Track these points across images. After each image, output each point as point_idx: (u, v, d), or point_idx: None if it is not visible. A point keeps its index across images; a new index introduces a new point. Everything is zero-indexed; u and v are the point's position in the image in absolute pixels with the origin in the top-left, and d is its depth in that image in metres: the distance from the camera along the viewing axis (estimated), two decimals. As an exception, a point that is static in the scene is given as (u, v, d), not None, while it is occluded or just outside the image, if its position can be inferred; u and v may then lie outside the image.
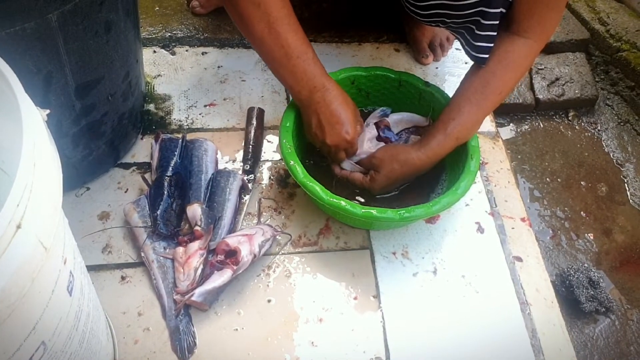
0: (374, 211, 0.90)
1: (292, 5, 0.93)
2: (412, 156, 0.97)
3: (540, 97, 1.48)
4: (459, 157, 1.02)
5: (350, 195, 1.02)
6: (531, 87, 1.49)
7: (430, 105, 1.08)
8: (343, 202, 0.90)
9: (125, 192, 1.04)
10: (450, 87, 1.09)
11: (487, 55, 0.95)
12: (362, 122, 1.03)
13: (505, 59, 0.95)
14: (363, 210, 0.90)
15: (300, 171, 0.93)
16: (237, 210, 1.03)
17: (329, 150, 0.99)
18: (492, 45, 0.94)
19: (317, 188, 0.91)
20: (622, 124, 1.52)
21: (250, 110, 1.16)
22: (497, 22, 0.92)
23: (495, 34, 0.93)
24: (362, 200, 1.04)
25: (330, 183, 1.00)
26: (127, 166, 1.08)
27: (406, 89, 1.11)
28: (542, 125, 1.50)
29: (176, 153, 1.04)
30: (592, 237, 1.29)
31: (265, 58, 0.97)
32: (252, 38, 0.94)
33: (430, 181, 1.05)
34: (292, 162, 0.94)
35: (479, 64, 0.96)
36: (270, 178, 1.09)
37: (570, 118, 1.52)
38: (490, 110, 1.02)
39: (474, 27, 0.95)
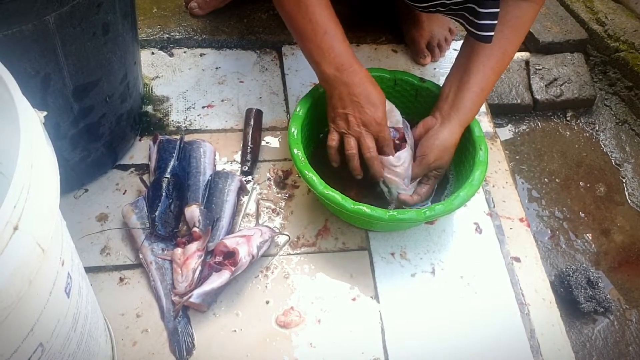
0: (397, 214, 0.90)
1: None
2: (455, 134, 0.99)
3: (539, 97, 1.48)
4: (465, 150, 1.02)
5: (358, 195, 1.03)
6: (529, 88, 1.49)
7: (427, 101, 1.08)
8: (366, 209, 0.90)
9: (124, 193, 1.04)
10: (448, 88, 1.09)
11: (492, 33, 0.95)
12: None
13: (516, 24, 1.00)
14: (389, 214, 0.90)
15: (318, 182, 0.92)
16: (236, 212, 1.03)
17: (358, 135, 0.95)
18: (496, 22, 0.95)
19: (338, 197, 0.91)
20: (620, 124, 1.52)
21: (249, 111, 1.16)
22: None
23: (497, 10, 0.94)
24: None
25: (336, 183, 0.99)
26: (125, 168, 1.08)
27: (402, 87, 1.11)
28: (540, 126, 1.50)
29: (174, 154, 1.04)
30: (590, 238, 1.29)
31: (294, 34, 0.96)
32: (282, 12, 0.95)
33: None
34: (308, 174, 0.93)
35: (484, 42, 0.97)
36: (268, 179, 1.09)
37: (568, 118, 1.52)
38: (503, 72, 1.09)
39: (475, 6, 0.95)
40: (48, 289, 0.52)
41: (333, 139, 0.97)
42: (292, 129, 0.98)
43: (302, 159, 0.95)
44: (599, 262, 1.25)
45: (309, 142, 1.08)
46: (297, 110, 1.01)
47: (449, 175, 1.07)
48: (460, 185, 0.97)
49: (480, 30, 0.95)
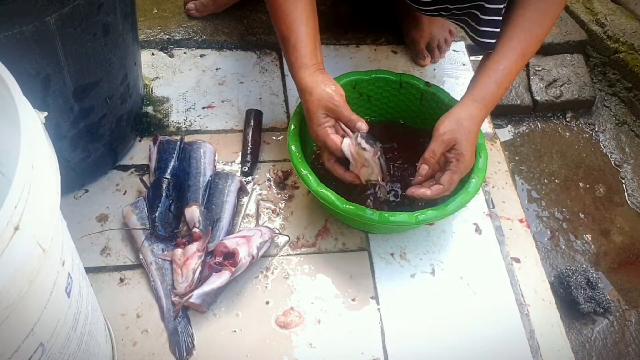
0: (389, 215, 0.90)
1: None
2: (468, 108, 0.92)
3: (538, 98, 1.48)
4: None
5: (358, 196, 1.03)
6: (529, 89, 1.49)
7: (432, 105, 1.08)
8: (358, 209, 0.90)
9: (124, 194, 1.04)
10: (448, 89, 1.09)
11: (493, 40, 0.94)
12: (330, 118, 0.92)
13: (541, 6, 0.93)
14: (379, 215, 0.90)
15: (312, 180, 0.93)
16: (235, 212, 1.03)
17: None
18: (497, 30, 0.93)
19: (331, 196, 0.91)
20: (619, 125, 1.52)
21: (249, 112, 1.16)
22: (502, 5, 0.92)
23: (500, 18, 0.93)
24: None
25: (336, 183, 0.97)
26: (125, 168, 1.08)
27: (407, 91, 1.11)
28: (540, 127, 1.50)
29: (174, 155, 1.04)
30: (590, 238, 1.29)
31: None
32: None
33: None
34: (303, 171, 0.93)
35: (485, 49, 0.96)
36: (268, 180, 1.10)
37: (568, 119, 1.52)
38: (530, 57, 1.00)
39: (477, 12, 0.94)
40: (49, 288, 0.52)
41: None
42: (292, 126, 0.99)
43: (299, 155, 0.95)
44: (599, 262, 1.26)
45: (312, 140, 1.08)
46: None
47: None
48: (457, 190, 0.97)
49: (481, 36, 0.95)
